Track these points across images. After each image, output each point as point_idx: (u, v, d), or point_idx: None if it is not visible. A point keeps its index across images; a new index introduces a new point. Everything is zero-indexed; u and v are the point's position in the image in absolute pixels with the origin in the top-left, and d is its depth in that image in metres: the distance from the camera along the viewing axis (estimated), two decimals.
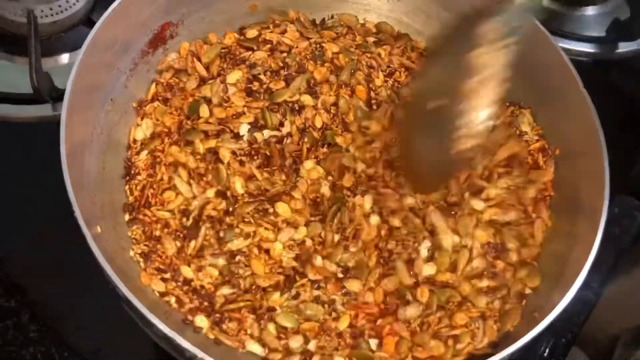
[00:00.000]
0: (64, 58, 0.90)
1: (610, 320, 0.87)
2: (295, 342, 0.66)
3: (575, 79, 0.70)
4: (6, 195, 0.83)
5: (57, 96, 0.84)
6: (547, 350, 0.81)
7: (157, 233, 0.70)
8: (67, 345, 0.75)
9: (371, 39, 0.85)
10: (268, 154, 0.74)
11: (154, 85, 0.78)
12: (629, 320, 0.84)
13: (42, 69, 0.82)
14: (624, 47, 1.02)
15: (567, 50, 0.99)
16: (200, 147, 0.74)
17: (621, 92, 1.04)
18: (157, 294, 0.67)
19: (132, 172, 0.73)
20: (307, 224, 0.71)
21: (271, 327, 0.66)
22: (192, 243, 0.69)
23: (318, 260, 0.69)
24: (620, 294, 0.90)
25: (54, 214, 0.77)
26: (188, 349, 0.55)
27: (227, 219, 0.71)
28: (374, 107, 0.79)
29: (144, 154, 0.74)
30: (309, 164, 0.74)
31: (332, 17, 0.87)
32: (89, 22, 0.90)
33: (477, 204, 0.72)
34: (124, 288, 0.57)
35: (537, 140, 0.77)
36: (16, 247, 0.79)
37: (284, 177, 0.73)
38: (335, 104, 0.79)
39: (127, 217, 0.71)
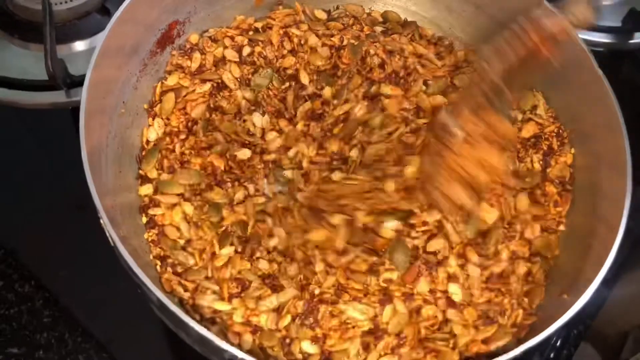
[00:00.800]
0: (79, 45, 0.90)
1: (621, 316, 0.87)
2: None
3: (588, 58, 0.69)
4: (19, 181, 0.84)
5: (71, 82, 0.84)
6: (558, 341, 0.82)
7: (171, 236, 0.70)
8: (80, 330, 0.76)
9: (379, 29, 0.85)
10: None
11: (159, 84, 0.78)
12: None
13: (57, 55, 0.83)
14: (639, 38, 1.01)
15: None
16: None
17: (636, 83, 1.02)
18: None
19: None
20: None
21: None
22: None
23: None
24: (631, 290, 0.89)
25: (67, 200, 0.82)
26: (227, 350, 0.54)
27: None
28: None
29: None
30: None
31: (337, 8, 0.87)
32: (103, 10, 0.91)
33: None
34: (159, 293, 0.56)
35: (552, 123, 0.76)
36: (31, 234, 0.80)
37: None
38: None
39: (144, 219, 0.70)
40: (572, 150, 0.74)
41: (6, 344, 0.75)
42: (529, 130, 0.76)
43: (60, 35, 0.86)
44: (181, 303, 0.65)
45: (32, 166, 0.85)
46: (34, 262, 0.79)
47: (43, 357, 0.74)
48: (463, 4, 0.83)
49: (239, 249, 0.68)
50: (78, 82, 0.84)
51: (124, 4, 0.70)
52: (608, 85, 0.68)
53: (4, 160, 0.85)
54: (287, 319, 0.63)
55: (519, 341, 0.64)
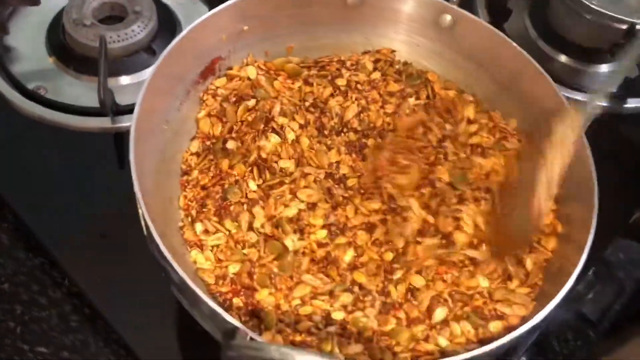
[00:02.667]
0: (125, 79, 0.97)
1: None
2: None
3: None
4: (63, 193, 0.89)
5: (117, 110, 0.91)
6: None
7: None
8: (102, 336, 0.80)
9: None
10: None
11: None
12: None
13: (108, 86, 0.89)
14: (632, 103, 1.08)
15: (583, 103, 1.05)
16: None
17: (630, 143, 1.09)
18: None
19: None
20: None
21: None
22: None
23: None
24: None
25: (109, 214, 0.86)
26: (231, 322, 0.58)
27: None
28: None
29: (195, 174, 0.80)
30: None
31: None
32: (149, 50, 0.98)
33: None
34: (180, 271, 0.61)
35: None
36: (70, 245, 0.84)
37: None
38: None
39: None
40: None
41: (35, 343, 0.79)
42: None
43: (110, 69, 0.92)
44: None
45: (76, 180, 0.90)
46: (71, 272, 0.83)
47: (68, 357, 0.79)
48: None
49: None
50: (123, 110, 0.91)
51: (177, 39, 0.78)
52: (588, 148, 0.75)
53: (52, 172, 0.91)
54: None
55: None
